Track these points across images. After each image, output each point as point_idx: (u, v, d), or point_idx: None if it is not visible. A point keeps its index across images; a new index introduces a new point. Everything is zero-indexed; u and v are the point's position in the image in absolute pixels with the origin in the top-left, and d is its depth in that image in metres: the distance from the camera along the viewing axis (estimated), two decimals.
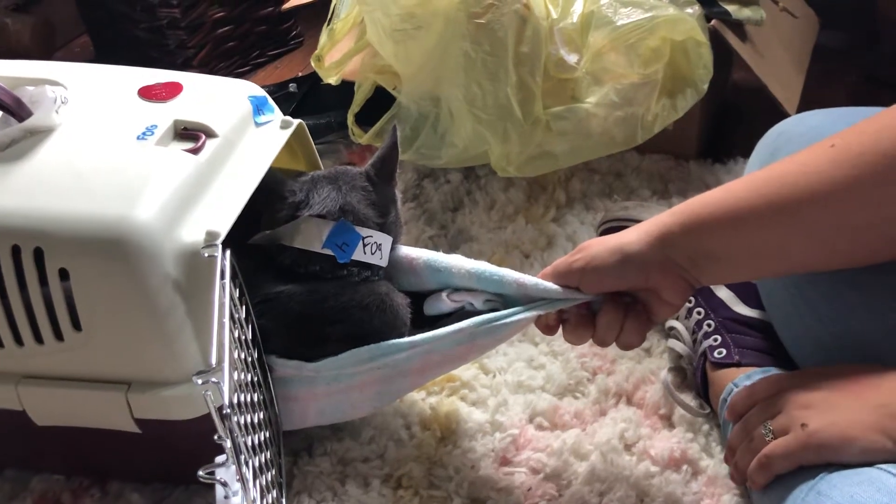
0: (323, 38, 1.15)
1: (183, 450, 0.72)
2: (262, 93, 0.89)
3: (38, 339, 0.72)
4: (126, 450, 0.80)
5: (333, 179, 0.81)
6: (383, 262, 0.81)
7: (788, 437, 0.63)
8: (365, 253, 0.79)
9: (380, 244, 0.80)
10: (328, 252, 0.77)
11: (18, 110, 0.77)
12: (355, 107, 1.14)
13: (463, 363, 0.85)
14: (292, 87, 1.39)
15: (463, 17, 1.01)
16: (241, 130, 0.83)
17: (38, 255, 0.68)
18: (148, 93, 0.84)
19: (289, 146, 0.92)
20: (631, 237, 0.70)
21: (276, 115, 0.88)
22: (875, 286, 0.69)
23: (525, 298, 0.76)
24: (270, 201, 0.81)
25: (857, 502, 0.58)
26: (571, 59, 1.03)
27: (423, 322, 0.81)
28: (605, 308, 0.73)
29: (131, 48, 1.64)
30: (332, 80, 1.15)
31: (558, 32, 1.03)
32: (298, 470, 0.85)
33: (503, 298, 0.78)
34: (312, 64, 1.17)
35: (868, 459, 0.60)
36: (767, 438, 0.65)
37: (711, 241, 0.67)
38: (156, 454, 0.80)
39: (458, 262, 0.79)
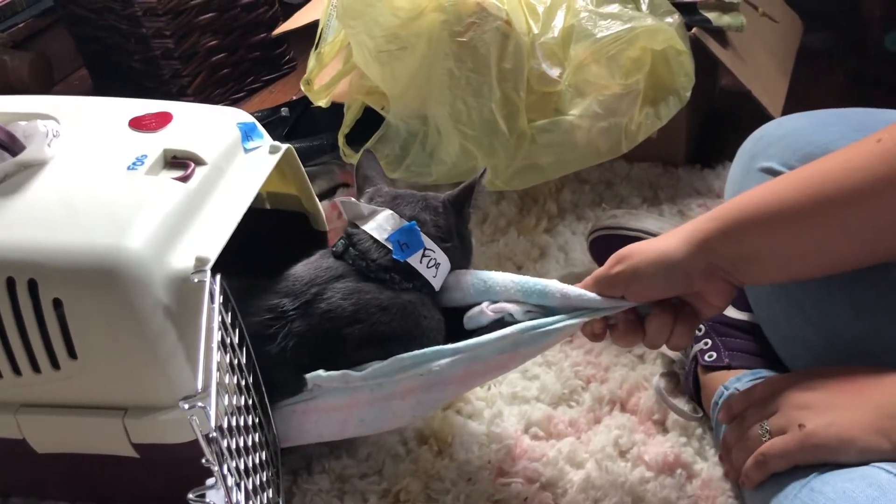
0: (311, 62, 1.17)
1: (183, 472, 0.72)
2: (250, 119, 0.90)
3: (36, 368, 0.73)
4: (127, 474, 0.81)
5: (414, 196, 0.87)
6: (436, 282, 0.82)
7: (786, 437, 0.64)
8: (421, 263, 0.81)
9: (439, 263, 0.82)
10: (388, 246, 0.81)
11: (12, 145, 0.79)
12: (345, 128, 1.16)
13: (504, 372, 0.85)
14: (284, 111, 1.41)
15: (446, 36, 1.03)
16: (230, 157, 0.85)
17: (33, 286, 0.70)
18: (138, 123, 0.86)
19: (280, 170, 0.94)
20: (671, 245, 0.69)
21: (265, 140, 0.90)
22: (862, 285, 0.70)
23: (568, 309, 0.76)
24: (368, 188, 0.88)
25: (849, 497, 0.59)
26: (554, 72, 1.04)
27: (463, 336, 0.81)
28: (654, 314, 0.72)
29: (127, 79, 1.67)
30: (322, 102, 1.17)
31: (540, 47, 1.04)
32: (297, 488, 0.86)
33: (544, 310, 0.78)
34: (302, 88, 1.19)
35: (865, 459, 0.61)
36: (764, 438, 0.65)
37: (754, 244, 0.66)
38: (156, 477, 0.81)
39: (501, 275, 0.81)
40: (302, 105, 1.40)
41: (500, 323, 0.78)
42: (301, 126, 1.39)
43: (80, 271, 0.70)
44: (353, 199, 0.85)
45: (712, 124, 1.38)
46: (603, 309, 0.73)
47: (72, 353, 0.72)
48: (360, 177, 0.91)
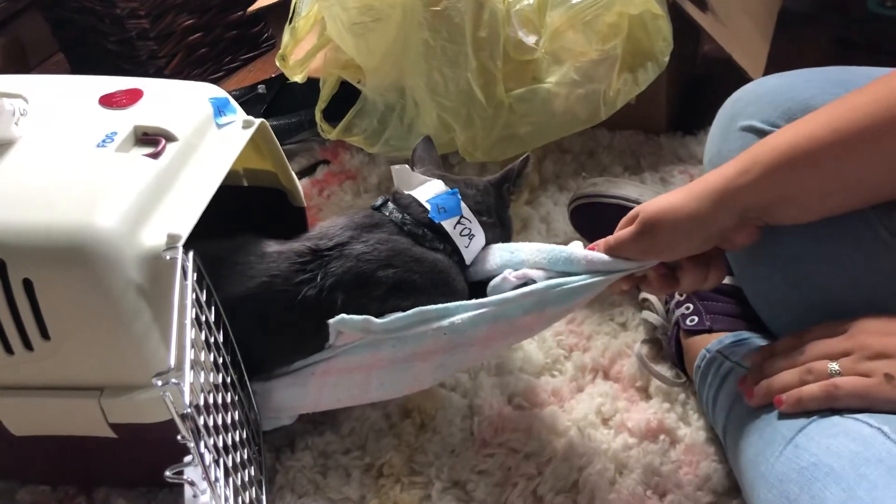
0: (286, 37, 1.15)
1: (163, 451, 0.72)
2: (223, 94, 0.89)
3: (8, 349, 0.72)
4: (107, 456, 0.80)
5: (458, 178, 0.90)
6: (467, 254, 0.83)
7: (869, 381, 0.62)
8: (455, 229, 0.82)
9: (473, 235, 0.83)
10: (427, 206, 0.83)
11: None
12: (321, 103, 1.14)
13: (529, 335, 0.85)
14: (261, 88, 1.39)
15: (420, 5, 1.01)
16: (202, 132, 0.83)
17: (1, 267, 0.69)
18: (108, 100, 0.84)
19: (255, 146, 0.92)
20: (700, 208, 0.67)
21: (238, 115, 0.88)
22: (837, 240, 0.69)
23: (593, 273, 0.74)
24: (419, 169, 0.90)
25: (833, 452, 0.59)
26: (530, 40, 1.03)
27: None
28: (687, 268, 0.72)
29: (104, 62, 1.64)
30: (298, 78, 1.15)
31: (515, 14, 1.03)
32: (280, 465, 0.85)
33: (569, 276, 0.76)
34: (277, 63, 1.17)
35: None
36: (835, 377, 0.64)
37: (787, 190, 0.65)
38: (137, 458, 0.81)
39: (526, 244, 0.81)
40: (279, 82, 1.39)
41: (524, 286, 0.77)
42: (280, 103, 1.38)
43: (49, 251, 0.68)
44: (406, 166, 0.88)
45: (694, 91, 1.37)
46: (630, 269, 0.73)
47: (45, 334, 0.71)
48: (416, 157, 0.93)
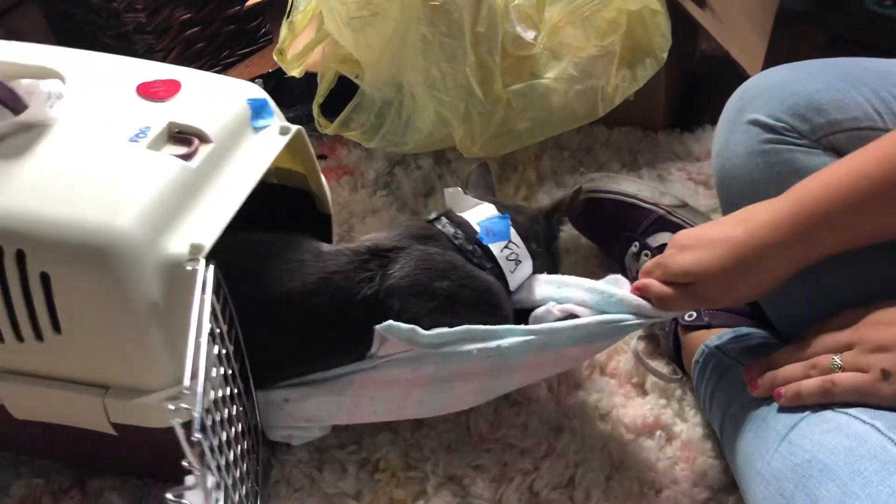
0: (283, 31, 1.15)
1: (161, 450, 0.70)
2: (263, 95, 0.85)
3: (19, 337, 0.71)
4: (105, 446, 0.78)
5: (510, 205, 0.91)
6: (511, 279, 0.82)
7: (865, 377, 0.63)
8: (501, 253, 0.82)
9: (520, 261, 0.83)
10: (476, 228, 0.84)
11: (14, 104, 0.74)
12: (319, 98, 1.14)
13: (573, 366, 0.85)
14: (258, 82, 1.38)
15: (418, 0, 1.01)
16: (238, 136, 0.80)
17: (21, 257, 0.68)
18: (146, 90, 0.81)
19: (289, 146, 0.89)
20: (750, 274, 0.68)
21: (275, 119, 0.85)
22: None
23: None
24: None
25: (827, 448, 0.60)
26: (528, 35, 1.03)
27: None
28: None
29: None
30: (296, 72, 1.15)
31: (514, 10, 1.02)
32: (276, 460, 0.85)
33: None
34: (275, 58, 1.17)
35: None
36: (835, 371, 0.65)
37: (832, 244, 0.66)
38: (135, 452, 0.80)
39: (572, 278, 0.80)
40: (277, 76, 1.38)
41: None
42: (277, 98, 1.37)
43: (69, 247, 0.67)
44: (459, 189, 0.90)
45: (692, 88, 1.37)
46: (681, 314, 0.77)
47: (56, 327, 0.70)
48: (471, 182, 0.94)
